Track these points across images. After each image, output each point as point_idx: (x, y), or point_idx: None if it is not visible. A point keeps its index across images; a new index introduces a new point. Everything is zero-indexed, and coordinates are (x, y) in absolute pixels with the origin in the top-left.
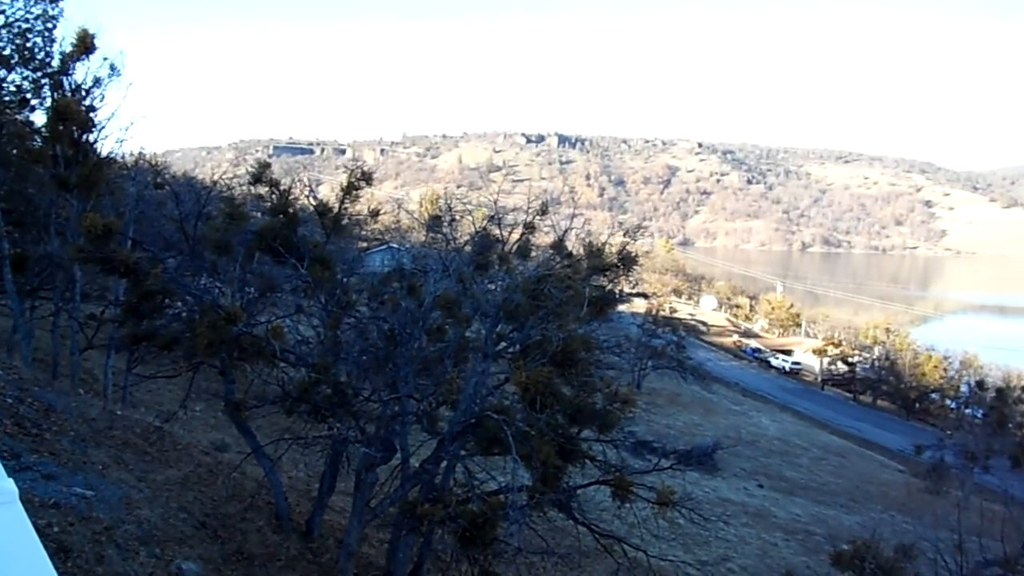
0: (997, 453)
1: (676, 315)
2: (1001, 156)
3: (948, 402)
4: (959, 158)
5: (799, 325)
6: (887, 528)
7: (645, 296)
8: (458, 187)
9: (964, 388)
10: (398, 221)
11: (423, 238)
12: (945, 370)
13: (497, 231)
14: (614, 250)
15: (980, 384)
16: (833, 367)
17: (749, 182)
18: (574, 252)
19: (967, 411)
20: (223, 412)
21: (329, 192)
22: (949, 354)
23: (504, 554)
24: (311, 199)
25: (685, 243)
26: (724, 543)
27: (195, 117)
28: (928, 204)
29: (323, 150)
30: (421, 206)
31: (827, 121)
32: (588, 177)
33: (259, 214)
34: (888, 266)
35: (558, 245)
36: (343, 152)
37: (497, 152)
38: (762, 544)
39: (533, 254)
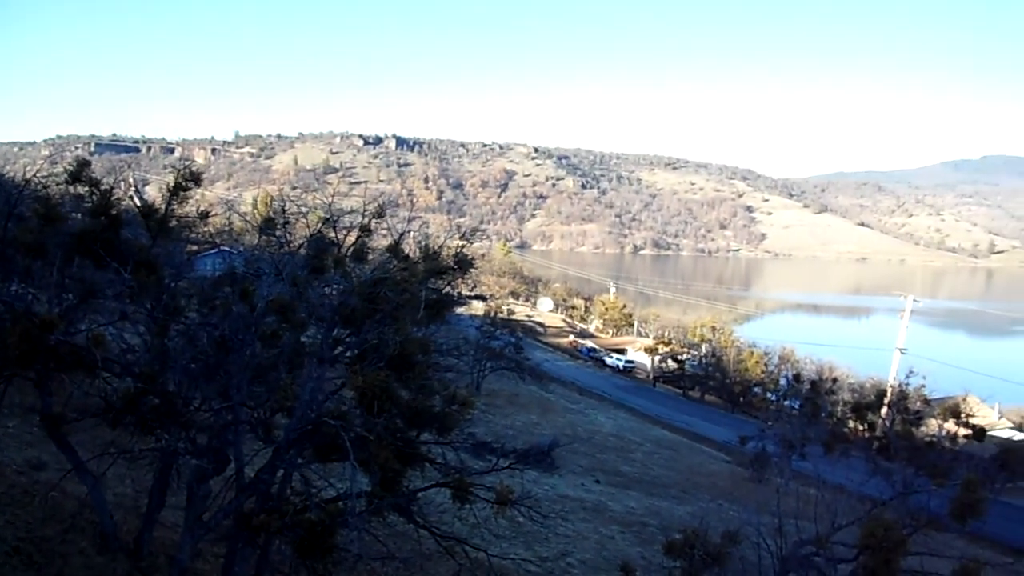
0: (812, 441)
1: (514, 317)
2: (813, 165)
3: (769, 395)
4: (776, 166)
5: (632, 325)
6: (715, 516)
7: (483, 298)
8: (293, 189)
9: (783, 381)
10: (230, 223)
11: (256, 241)
12: (766, 365)
13: (333, 234)
14: (451, 253)
15: (797, 377)
16: (664, 364)
17: (583, 187)
18: (411, 255)
19: (786, 403)
20: (40, 427)
21: (156, 193)
22: (769, 350)
23: (344, 561)
24: (136, 200)
25: (522, 246)
26: (563, 538)
27: (6, 110)
28: (749, 209)
29: (150, 148)
30: (254, 208)
31: (656, 129)
32: (427, 180)
33: (78, 215)
34: (713, 268)
35: (395, 248)
36: (171, 151)
37: (334, 154)
38: (600, 538)
39: (370, 257)
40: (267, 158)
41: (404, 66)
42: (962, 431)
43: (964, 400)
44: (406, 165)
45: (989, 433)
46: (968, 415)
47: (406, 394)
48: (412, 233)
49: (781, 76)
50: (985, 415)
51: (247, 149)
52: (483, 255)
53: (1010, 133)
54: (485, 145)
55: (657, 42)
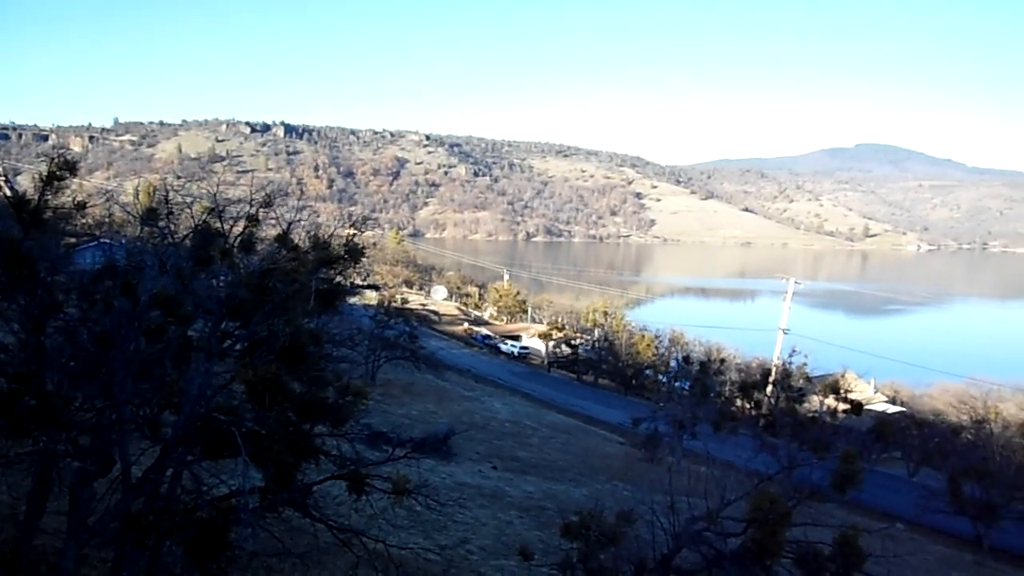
0: (702, 420)
1: (408, 306)
2: (700, 152)
3: (660, 377)
4: (665, 154)
5: (526, 311)
6: (610, 497)
7: (376, 288)
8: (177, 178)
9: (673, 363)
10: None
11: (138, 233)
12: (657, 348)
13: (219, 224)
14: (342, 242)
15: (686, 359)
16: (558, 350)
17: (476, 174)
18: (300, 245)
19: (676, 384)
20: None
21: (28, 183)
22: (660, 333)
23: (239, 560)
24: (6, 190)
25: (415, 234)
26: (462, 526)
27: None
28: (639, 196)
29: (21, 136)
30: (136, 198)
31: (547, 117)
32: (317, 168)
33: None
34: (605, 254)
35: (284, 238)
36: (45, 139)
37: (220, 141)
38: (498, 523)
39: (258, 248)
40: (149, 146)
41: (293, 52)
42: (841, 406)
43: (843, 377)
44: (295, 153)
45: (866, 407)
46: (847, 391)
47: (298, 386)
48: (302, 222)
49: (667, 66)
50: (862, 390)
51: (127, 137)
52: (375, 244)
53: (882, 123)
54: (376, 132)
55: (546, 30)
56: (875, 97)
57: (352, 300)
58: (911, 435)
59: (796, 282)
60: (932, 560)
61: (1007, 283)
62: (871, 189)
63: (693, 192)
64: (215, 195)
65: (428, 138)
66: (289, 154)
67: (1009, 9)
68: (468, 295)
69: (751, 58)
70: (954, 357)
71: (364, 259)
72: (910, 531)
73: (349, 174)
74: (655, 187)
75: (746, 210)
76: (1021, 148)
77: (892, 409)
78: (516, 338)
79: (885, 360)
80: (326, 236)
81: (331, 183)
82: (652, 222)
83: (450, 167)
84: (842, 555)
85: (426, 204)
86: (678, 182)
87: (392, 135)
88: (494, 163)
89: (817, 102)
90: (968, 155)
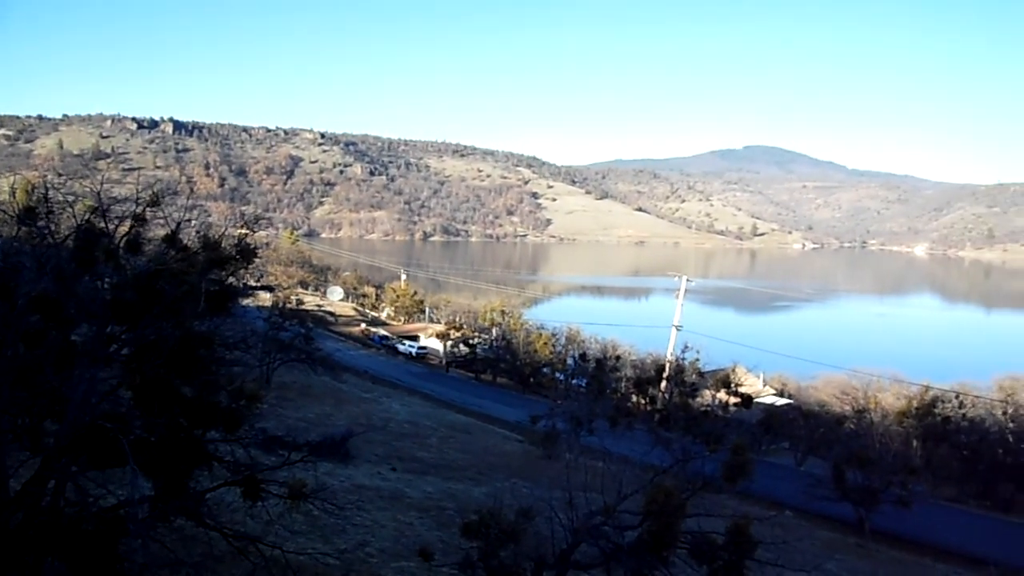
0: (599, 416)
1: (304, 307)
2: (595, 153)
3: (558, 374)
4: (560, 154)
5: (423, 311)
6: (509, 495)
7: (270, 289)
8: (59, 176)
9: (570, 361)
10: None
11: (15, 233)
12: (554, 346)
13: (104, 224)
14: (233, 242)
15: (583, 356)
16: (456, 349)
17: (372, 173)
18: (190, 245)
19: (573, 381)
20: None
21: None
22: (557, 331)
23: (129, 573)
24: None
25: (310, 234)
26: (361, 529)
27: None
28: (535, 196)
29: None
30: (12, 196)
31: (443, 116)
32: (208, 167)
33: None
34: (502, 253)
35: (172, 238)
36: None
37: (105, 138)
38: (398, 525)
39: (145, 248)
40: (27, 142)
41: (182, 47)
42: (732, 399)
43: (733, 371)
44: (185, 151)
45: (755, 400)
46: (737, 385)
47: (189, 391)
48: (192, 222)
49: (562, 67)
50: (752, 384)
51: (2, 132)
52: (268, 244)
53: (768, 125)
54: (269, 130)
55: (440, 29)
56: (762, 100)
57: (245, 302)
58: (798, 426)
59: (688, 280)
60: (818, 544)
61: (884, 279)
62: (759, 189)
63: (588, 192)
64: (99, 193)
65: (323, 136)
66: (178, 151)
67: (885, 18)
68: (365, 295)
69: (644, 60)
70: (837, 350)
71: (257, 260)
72: (798, 518)
73: (241, 172)
74: (551, 187)
75: (640, 210)
76: (896, 151)
77: (780, 401)
78: (414, 338)
79: (773, 354)
80: (217, 236)
81: (223, 182)
82: (548, 221)
83: (346, 166)
84: (734, 543)
85: (321, 203)
86: (573, 182)
87: (286, 133)
88: (390, 162)
89: (707, 104)
90: (848, 158)
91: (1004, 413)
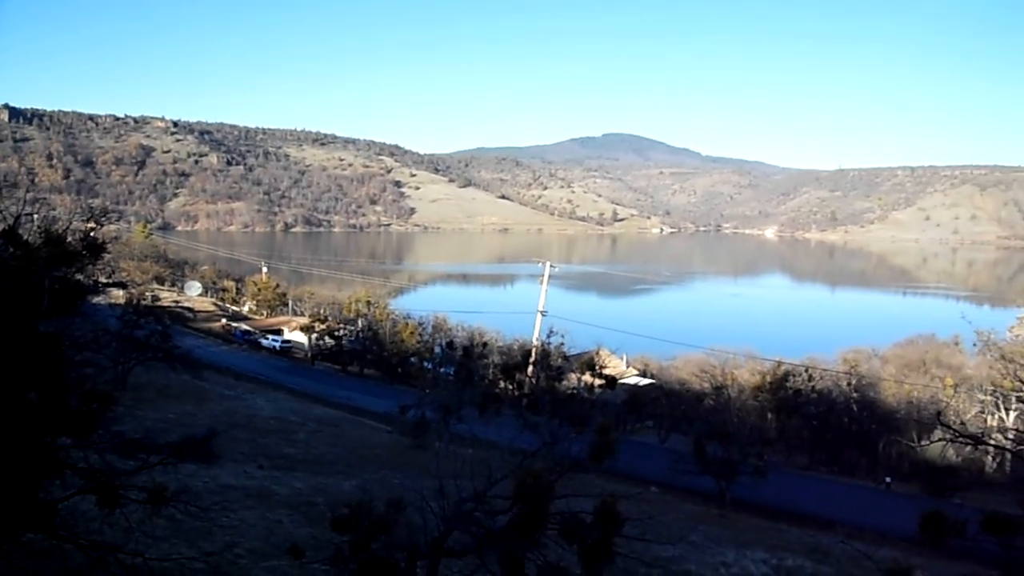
0: (467, 403)
1: (160, 303)
2: (457, 141)
3: (425, 363)
4: (423, 142)
5: (286, 304)
6: (380, 486)
7: (123, 285)
8: None
9: (438, 349)
10: None
11: None
12: (421, 335)
13: None
14: (80, 237)
15: (450, 344)
16: (321, 342)
17: (229, 163)
18: (31, 241)
19: (441, 370)
20: None
21: None
22: (424, 320)
23: None
24: None
25: (165, 227)
26: (228, 530)
27: None
28: (398, 184)
29: None
30: None
31: (303, 103)
32: (50, 157)
33: None
34: (366, 243)
35: (11, 233)
36: None
37: None
38: (267, 523)
39: None
40: None
41: (17, 27)
42: (597, 381)
43: (598, 353)
44: (24, 140)
45: (620, 381)
46: (601, 367)
47: (35, 395)
48: (33, 216)
49: (422, 55)
50: (615, 366)
51: None
52: (118, 238)
53: (627, 113)
54: (118, 119)
55: (296, 16)
56: (620, 88)
57: (95, 299)
58: (661, 404)
59: (552, 266)
60: (683, 517)
61: (738, 261)
62: (618, 176)
63: (452, 180)
64: None
65: (176, 125)
66: (16, 141)
67: (734, 11)
68: (225, 290)
69: (505, 48)
70: (696, 330)
71: (107, 255)
72: (663, 493)
73: (88, 163)
74: (414, 175)
75: (503, 197)
76: (747, 139)
77: (643, 382)
78: (278, 332)
79: (635, 336)
80: (61, 230)
81: (67, 173)
82: (412, 210)
83: (201, 156)
84: (602, 521)
85: (176, 195)
86: (437, 170)
87: (136, 121)
88: (248, 151)
89: (567, 92)
90: (703, 145)
91: (849, 384)
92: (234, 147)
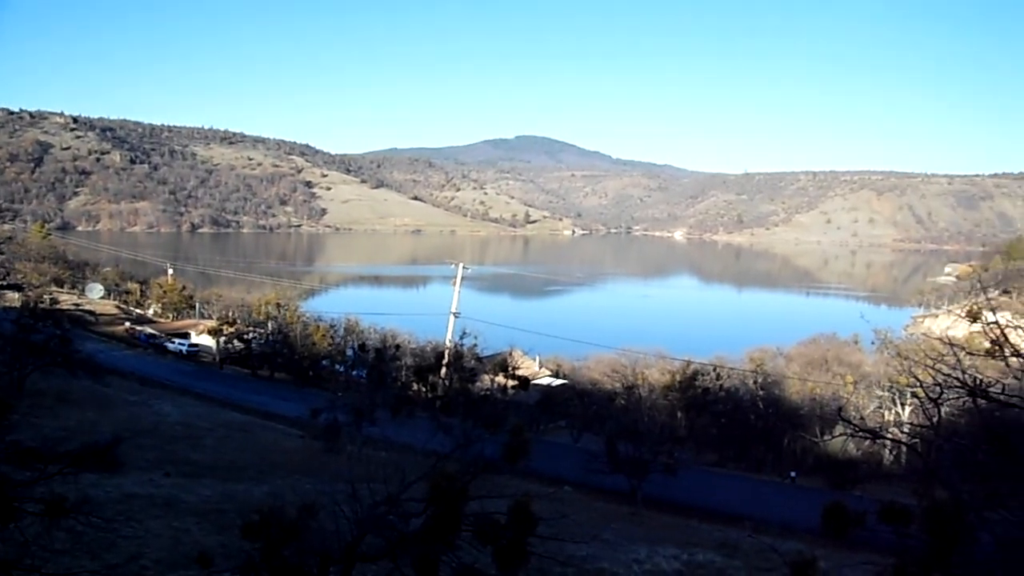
0: (380, 406)
1: (59, 306)
2: (369, 141)
3: (337, 366)
4: (334, 142)
5: (193, 307)
6: (291, 492)
7: (19, 288)
8: None
9: (349, 352)
10: None
11: None
12: (333, 337)
13: None
14: None
15: (362, 347)
16: (230, 346)
17: (132, 161)
18: None
19: (353, 373)
20: None
21: None
22: (335, 322)
23: None
24: None
25: (64, 227)
26: (134, 541)
27: None
28: (309, 185)
29: None
30: None
31: (210, 101)
32: None
33: None
34: (276, 244)
35: None
36: None
37: None
38: (174, 532)
39: None
40: None
41: None
42: (510, 382)
43: (511, 355)
44: None
45: (533, 382)
46: (514, 368)
47: None
48: None
49: (333, 54)
50: (528, 366)
51: None
52: (12, 238)
53: (539, 116)
54: (12, 113)
55: (200, 9)
56: (533, 92)
57: None
58: (574, 404)
59: (465, 267)
60: (596, 516)
61: (648, 263)
62: (531, 178)
63: (364, 181)
64: None
65: (76, 121)
66: None
67: (647, 17)
68: (129, 292)
69: (418, 47)
70: (607, 330)
71: (1, 256)
72: (576, 492)
73: None
74: (325, 175)
75: (416, 198)
76: (656, 143)
77: (556, 382)
78: (184, 336)
79: (548, 337)
80: None
81: None
82: (323, 211)
83: (103, 153)
84: (517, 522)
85: (76, 194)
86: (348, 171)
87: (32, 116)
88: (153, 149)
89: (481, 95)
90: (614, 148)
91: (755, 382)
92: (138, 145)
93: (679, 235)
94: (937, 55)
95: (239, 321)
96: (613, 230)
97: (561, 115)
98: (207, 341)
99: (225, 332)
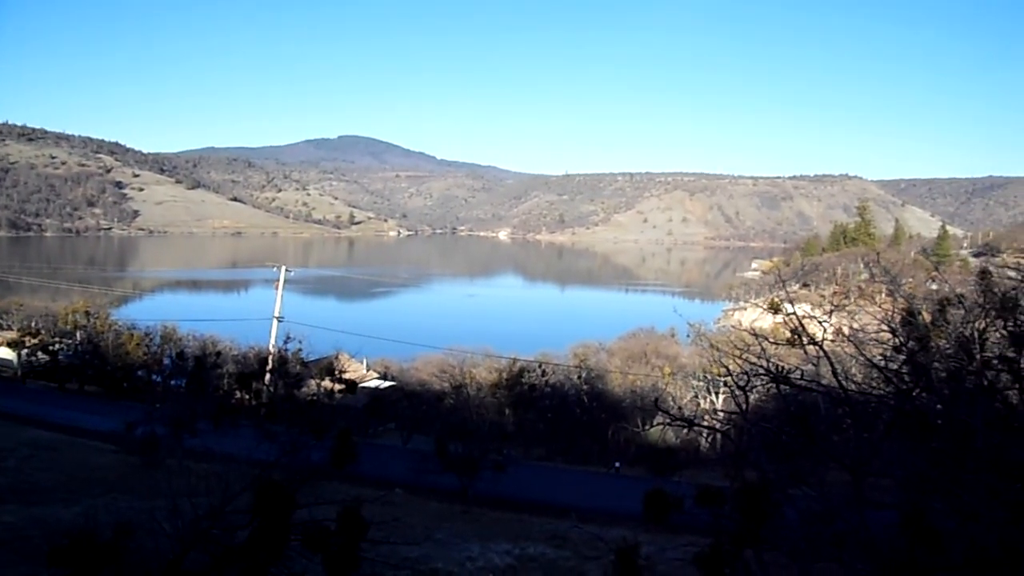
0: (201, 416)
1: None
2: (185, 140)
3: (154, 376)
4: (146, 140)
5: None
6: (107, 512)
7: None
8: None
9: (167, 361)
10: None
11: None
12: (148, 346)
13: None
14: None
15: (180, 355)
16: (34, 358)
17: None
18: None
19: (172, 382)
20: None
21: None
22: (151, 330)
23: None
24: None
25: None
26: None
27: None
28: (119, 185)
29: None
30: None
31: (5, 93)
32: None
33: None
34: (84, 249)
35: None
36: None
37: None
38: None
39: None
40: None
41: None
42: (337, 386)
43: (337, 358)
44: None
45: (360, 385)
46: (341, 371)
47: None
48: None
49: (145, 47)
50: (356, 369)
51: None
52: None
53: (362, 115)
54: None
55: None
56: (356, 91)
57: None
58: (402, 406)
59: (288, 270)
60: (428, 517)
61: (473, 262)
62: (354, 179)
63: (179, 181)
64: None
65: None
66: None
67: (469, 18)
68: None
69: (235, 45)
70: (434, 331)
71: None
72: (408, 494)
73: None
74: (137, 176)
75: (235, 199)
76: (480, 144)
77: (384, 384)
78: None
79: (375, 339)
80: None
81: None
82: (136, 213)
83: None
84: (347, 528)
85: None
86: (163, 171)
87: None
88: None
89: (301, 93)
90: (438, 148)
91: (579, 377)
92: None
93: (503, 235)
94: (742, 65)
95: (43, 332)
96: (438, 231)
97: (385, 115)
98: (7, 354)
99: (28, 344)
